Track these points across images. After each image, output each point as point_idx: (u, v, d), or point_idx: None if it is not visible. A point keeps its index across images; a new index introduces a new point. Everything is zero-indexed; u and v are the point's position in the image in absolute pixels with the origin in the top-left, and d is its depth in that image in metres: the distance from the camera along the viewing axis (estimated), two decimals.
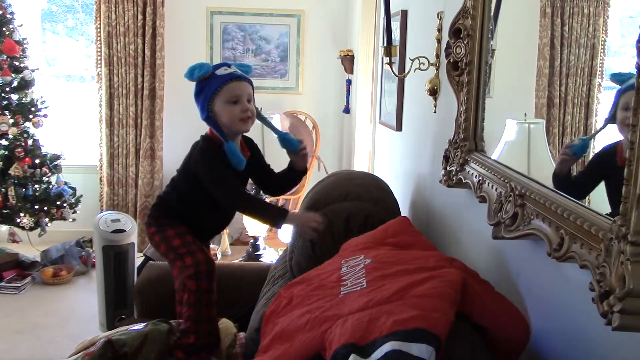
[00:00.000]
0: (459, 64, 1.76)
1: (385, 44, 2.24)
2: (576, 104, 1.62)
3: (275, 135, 2.31)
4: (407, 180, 2.56)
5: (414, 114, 2.55)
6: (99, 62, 5.16)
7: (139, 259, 3.92)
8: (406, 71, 2.31)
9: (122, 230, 3.58)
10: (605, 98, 1.50)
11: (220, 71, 2.17)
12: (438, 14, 2.16)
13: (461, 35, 1.75)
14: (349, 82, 5.14)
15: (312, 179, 4.58)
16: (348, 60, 4.93)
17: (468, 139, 1.74)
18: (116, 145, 5.30)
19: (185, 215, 2.33)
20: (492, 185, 1.50)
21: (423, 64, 2.21)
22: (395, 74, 2.33)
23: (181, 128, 5.29)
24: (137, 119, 5.27)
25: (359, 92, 4.67)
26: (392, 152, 3.02)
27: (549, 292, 1.26)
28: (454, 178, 1.77)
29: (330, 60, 5.36)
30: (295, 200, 5.05)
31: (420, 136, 2.41)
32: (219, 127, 2.19)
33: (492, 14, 1.70)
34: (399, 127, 2.78)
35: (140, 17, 5.09)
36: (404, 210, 2.40)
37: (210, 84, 2.14)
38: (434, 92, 2.22)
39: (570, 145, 1.37)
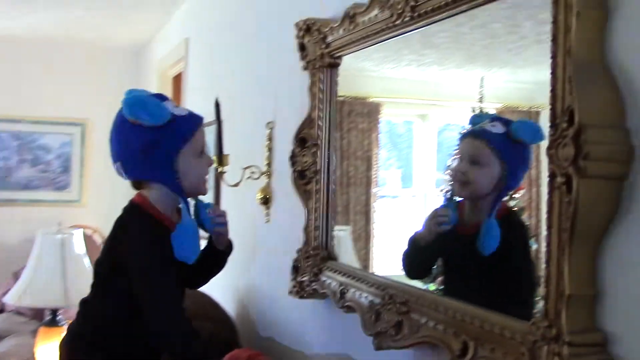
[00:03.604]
0: (306, 173, 1.75)
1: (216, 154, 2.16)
2: (358, 212, 1.72)
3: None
4: (240, 294, 2.41)
5: (242, 224, 2.46)
6: None
7: None
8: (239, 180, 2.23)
9: None
10: (379, 206, 1.68)
11: (173, 108, 1.51)
12: (267, 124, 2.16)
13: (307, 145, 1.75)
14: None
15: None
16: None
17: (320, 247, 1.71)
18: None
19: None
20: (361, 294, 1.46)
21: (254, 172, 2.17)
22: (227, 184, 2.24)
23: None
24: None
25: None
26: None
27: None
28: (308, 289, 1.70)
29: None
30: None
31: (251, 247, 2.31)
32: (183, 194, 1.53)
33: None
34: None
35: None
36: (245, 326, 2.25)
37: (176, 131, 1.48)
38: (266, 201, 2.17)
39: (442, 214, 1.30)
